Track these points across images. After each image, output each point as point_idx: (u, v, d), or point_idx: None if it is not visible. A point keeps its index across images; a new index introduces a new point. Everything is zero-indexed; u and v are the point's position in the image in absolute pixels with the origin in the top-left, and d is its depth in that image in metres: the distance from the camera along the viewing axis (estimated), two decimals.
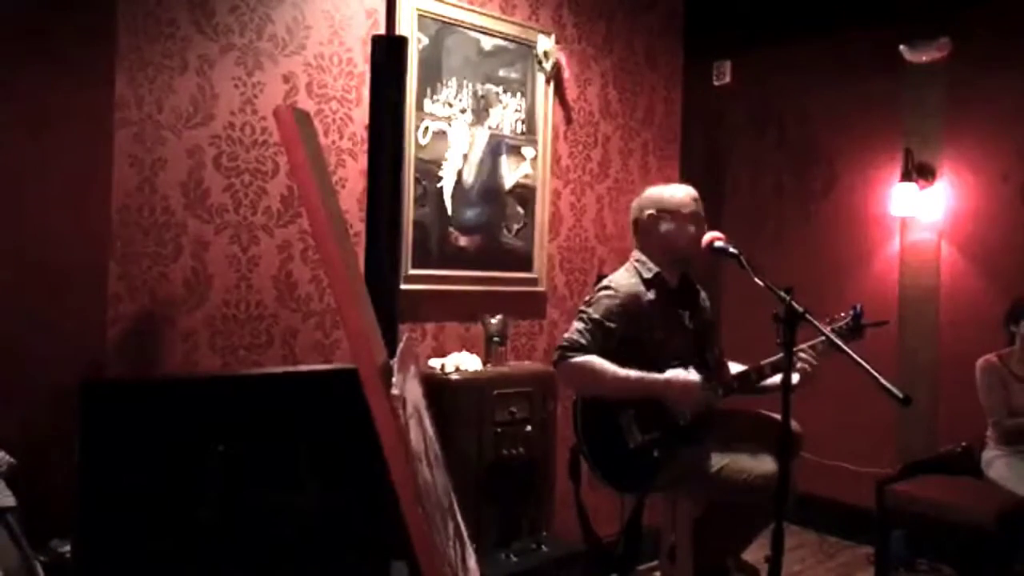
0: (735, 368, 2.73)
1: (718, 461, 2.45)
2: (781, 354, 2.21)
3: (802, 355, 2.43)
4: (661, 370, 2.47)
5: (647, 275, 2.59)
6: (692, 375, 2.45)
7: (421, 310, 3.15)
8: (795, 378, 2.34)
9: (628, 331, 2.49)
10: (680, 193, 2.65)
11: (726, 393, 2.55)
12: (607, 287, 2.55)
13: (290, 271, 2.81)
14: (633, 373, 2.42)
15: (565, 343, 2.46)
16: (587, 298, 2.60)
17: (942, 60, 3.95)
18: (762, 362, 2.55)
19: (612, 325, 2.47)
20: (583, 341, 2.44)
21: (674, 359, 2.52)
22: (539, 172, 3.53)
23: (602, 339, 2.45)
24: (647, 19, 3.98)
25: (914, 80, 4.07)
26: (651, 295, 2.56)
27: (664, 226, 2.60)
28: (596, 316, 2.48)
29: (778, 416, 2.15)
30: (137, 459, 2.05)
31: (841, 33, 4.19)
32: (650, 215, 2.62)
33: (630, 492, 2.56)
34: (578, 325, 2.49)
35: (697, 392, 2.44)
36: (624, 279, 2.59)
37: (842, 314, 2.50)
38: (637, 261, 2.64)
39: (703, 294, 2.77)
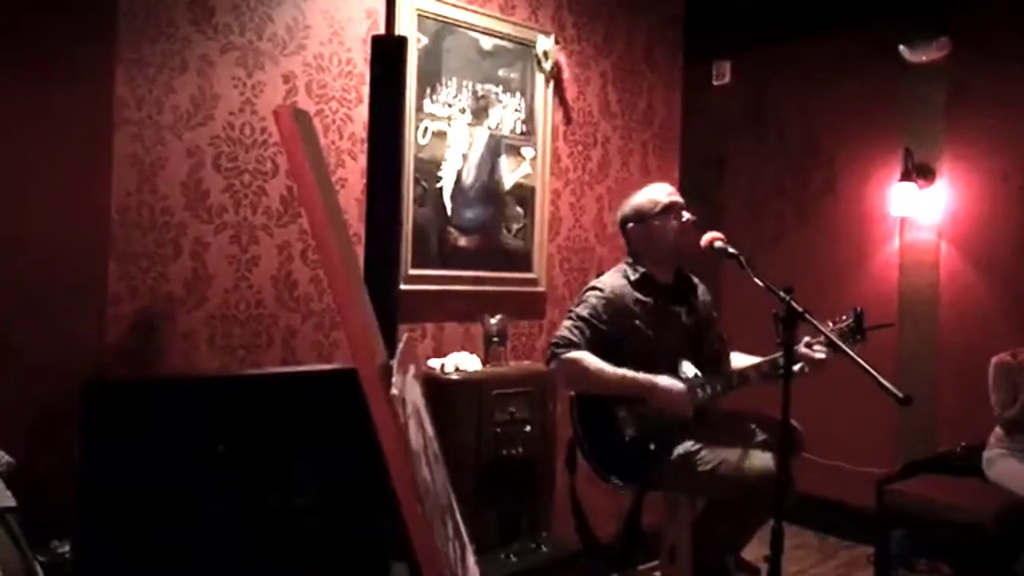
0: (738, 359, 2.74)
1: (716, 457, 2.45)
2: (781, 353, 2.22)
3: (817, 347, 2.43)
4: (653, 368, 2.49)
5: (634, 276, 2.63)
6: (677, 383, 2.46)
7: (421, 310, 3.15)
8: (797, 367, 2.35)
9: (615, 329, 2.53)
10: (651, 194, 2.69)
11: (724, 391, 2.55)
12: (593, 287, 2.63)
13: (290, 271, 2.81)
14: (622, 371, 2.45)
15: (556, 340, 2.51)
16: (576, 299, 2.66)
17: (942, 60, 3.95)
18: (762, 360, 2.55)
19: (600, 324, 2.52)
20: (572, 337, 2.49)
21: (667, 356, 2.53)
22: (539, 172, 3.53)
23: (592, 336, 2.50)
24: (647, 19, 3.98)
25: (914, 80, 4.07)
26: (639, 295, 2.59)
27: (649, 232, 2.64)
28: (584, 314, 2.53)
29: (778, 415, 2.15)
30: (137, 459, 2.05)
31: (841, 33, 4.20)
32: (632, 227, 2.68)
33: (626, 482, 2.55)
34: (567, 323, 2.55)
35: (681, 400, 2.44)
36: (610, 279, 2.65)
37: (843, 317, 2.50)
38: (627, 264, 2.69)
39: (701, 288, 2.78)
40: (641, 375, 2.45)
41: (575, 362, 2.46)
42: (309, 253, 2.84)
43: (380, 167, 2.35)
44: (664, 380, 2.45)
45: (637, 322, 2.56)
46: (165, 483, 2.07)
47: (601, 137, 3.81)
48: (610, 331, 2.52)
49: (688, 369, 2.52)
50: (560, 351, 2.48)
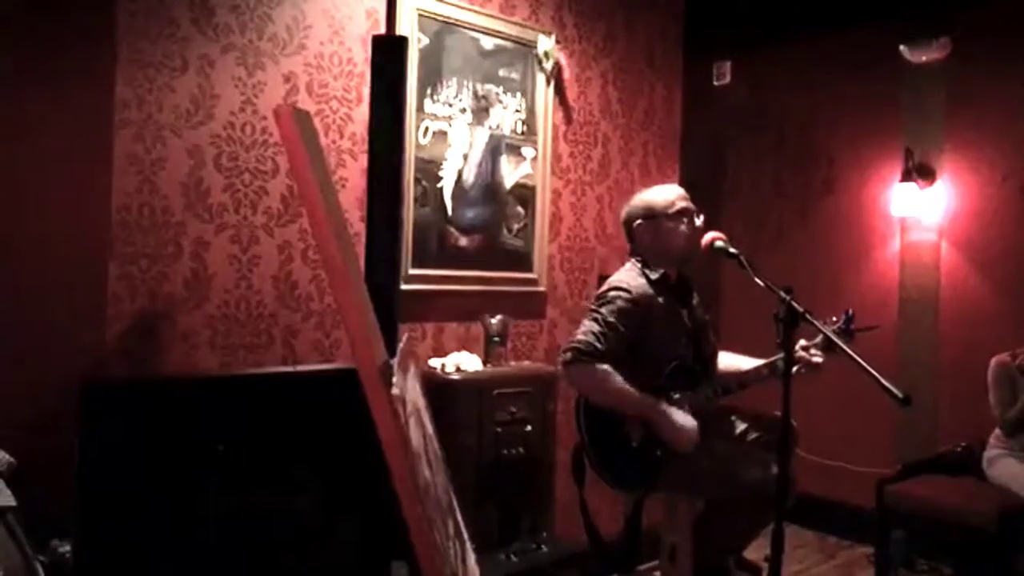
0: (726, 359, 2.74)
1: (717, 459, 2.45)
2: (780, 355, 2.22)
3: (813, 350, 2.44)
4: (661, 369, 2.49)
5: (654, 276, 2.57)
6: (690, 422, 2.45)
7: (421, 310, 3.15)
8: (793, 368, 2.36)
9: (634, 332, 2.47)
10: (666, 194, 2.64)
11: (725, 393, 2.55)
12: (620, 287, 2.51)
13: (290, 271, 2.81)
14: (642, 395, 2.42)
15: (580, 345, 2.41)
16: (598, 297, 2.56)
17: (942, 60, 3.95)
18: (760, 364, 2.55)
19: (624, 329, 2.45)
20: (599, 346, 2.40)
21: (672, 358, 2.52)
22: (539, 172, 3.53)
23: (614, 341, 2.43)
24: (647, 19, 3.98)
25: (914, 80, 4.07)
26: (658, 297, 2.55)
27: (658, 232, 2.60)
28: (611, 319, 2.44)
29: (778, 415, 2.15)
30: (137, 459, 2.05)
31: (841, 33, 4.19)
32: (640, 224, 2.62)
33: (633, 489, 2.56)
34: (593, 327, 2.44)
35: (687, 440, 2.43)
36: (631, 279, 2.56)
37: (833, 318, 2.50)
38: (639, 262, 2.63)
39: (694, 290, 2.77)
40: (661, 404, 2.44)
41: (599, 375, 2.39)
42: (309, 253, 2.84)
43: (380, 167, 2.35)
44: (678, 416, 2.44)
45: (654, 327, 2.51)
46: (165, 483, 2.07)
47: (601, 137, 3.81)
48: (630, 334, 2.46)
49: (691, 420, 2.47)
50: (586, 359, 2.39)
